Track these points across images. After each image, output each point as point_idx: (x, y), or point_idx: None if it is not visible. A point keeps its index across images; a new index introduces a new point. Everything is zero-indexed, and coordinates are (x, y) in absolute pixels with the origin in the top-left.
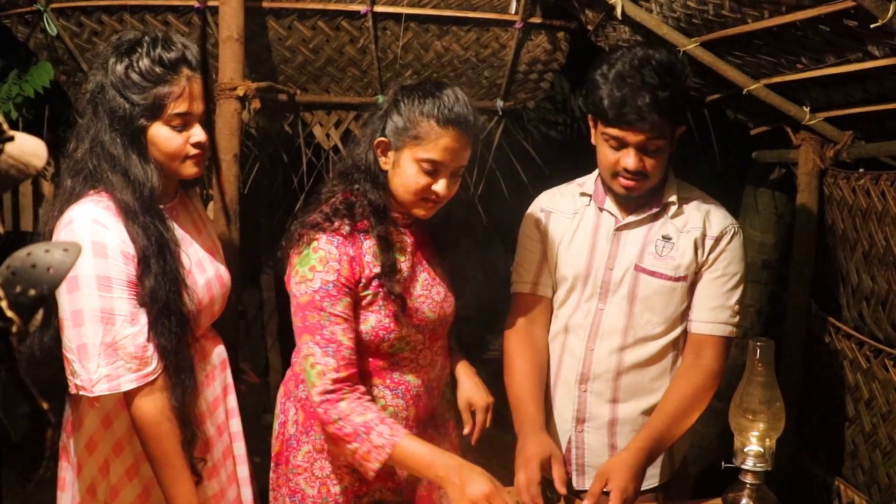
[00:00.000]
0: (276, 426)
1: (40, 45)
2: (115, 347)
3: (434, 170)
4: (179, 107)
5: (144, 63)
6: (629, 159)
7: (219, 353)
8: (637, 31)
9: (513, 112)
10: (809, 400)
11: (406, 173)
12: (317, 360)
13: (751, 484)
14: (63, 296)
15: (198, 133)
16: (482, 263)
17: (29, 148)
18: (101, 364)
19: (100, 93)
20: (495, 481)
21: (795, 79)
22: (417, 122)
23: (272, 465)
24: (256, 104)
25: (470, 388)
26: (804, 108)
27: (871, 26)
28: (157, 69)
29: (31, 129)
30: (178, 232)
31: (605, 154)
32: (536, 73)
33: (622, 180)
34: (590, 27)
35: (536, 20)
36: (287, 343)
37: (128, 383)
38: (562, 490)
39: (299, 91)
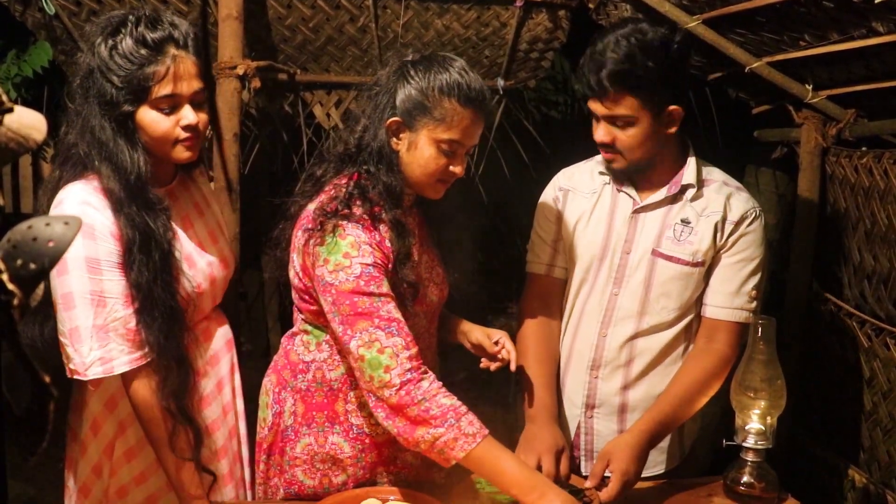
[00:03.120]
0: (268, 416)
1: (38, 25)
2: (106, 330)
3: (452, 151)
4: (164, 88)
5: (127, 44)
6: (598, 132)
7: (223, 333)
8: (639, 8)
9: (513, 91)
10: (810, 378)
11: (424, 155)
12: (384, 344)
13: (752, 461)
14: (53, 279)
15: (188, 115)
16: (482, 243)
17: (28, 121)
18: (93, 347)
19: (88, 76)
20: None
21: (798, 56)
22: (438, 102)
23: (262, 455)
24: (256, 83)
25: (479, 327)
26: (806, 86)
27: (876, 1)
28: (141, 50)
29: (29, 109)
30: (176, 217)
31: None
32: (537, 52)
33: (603, 152)
34: (591, 5)
35: None
36: (287, 325)
37: (121, 366)
38: (565, 474)
39: (299, 70)
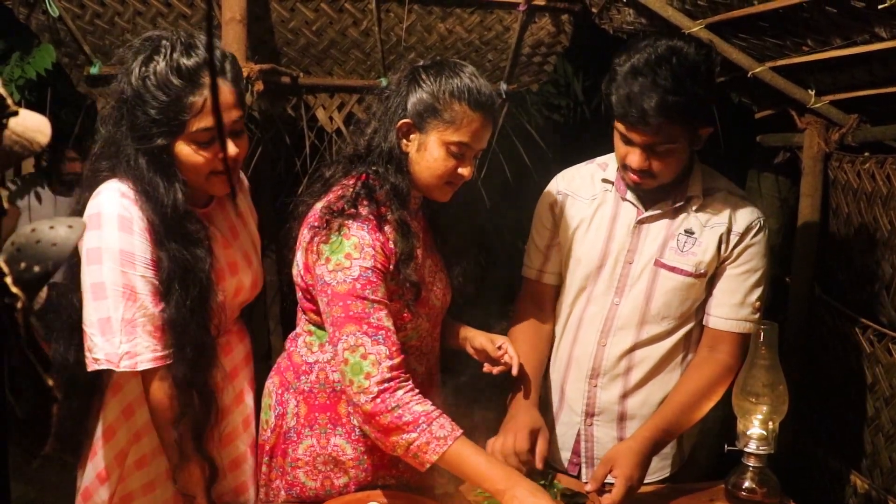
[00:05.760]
0: (270, 417)
1: (42, 27)
2: (134, 324)
3: (461, 153)
4: (202, 122)
5: (161, 72)
6: (634, 158)
7: (244, 347)
8: (641, 13)
9: (516, 95)
10: (812, 383)
11: (433, 156)
12: (368, 350)
13: (753, 467)
14: (84, 267)
15: (228, 148)
16: (484, 246)
17: (32, 124)
18: (123, 340)
19: (122, 104)
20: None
21: (801, 61)
22: (449, 105)
23: (265, 458)
24: (259, 86)
25: (482, 333)
26: (809, 91)
27: (879, 7)
28: (175, 80)
29: (33, 111)
30: (212, 238)
31: (617, 145)
32: (540, 56)
33: (630, 174)
34: (594, 9)
35: (540, 2)
36: (289, 327)
37: (145, 362)
38: (539, 465)
39: (302, 74)
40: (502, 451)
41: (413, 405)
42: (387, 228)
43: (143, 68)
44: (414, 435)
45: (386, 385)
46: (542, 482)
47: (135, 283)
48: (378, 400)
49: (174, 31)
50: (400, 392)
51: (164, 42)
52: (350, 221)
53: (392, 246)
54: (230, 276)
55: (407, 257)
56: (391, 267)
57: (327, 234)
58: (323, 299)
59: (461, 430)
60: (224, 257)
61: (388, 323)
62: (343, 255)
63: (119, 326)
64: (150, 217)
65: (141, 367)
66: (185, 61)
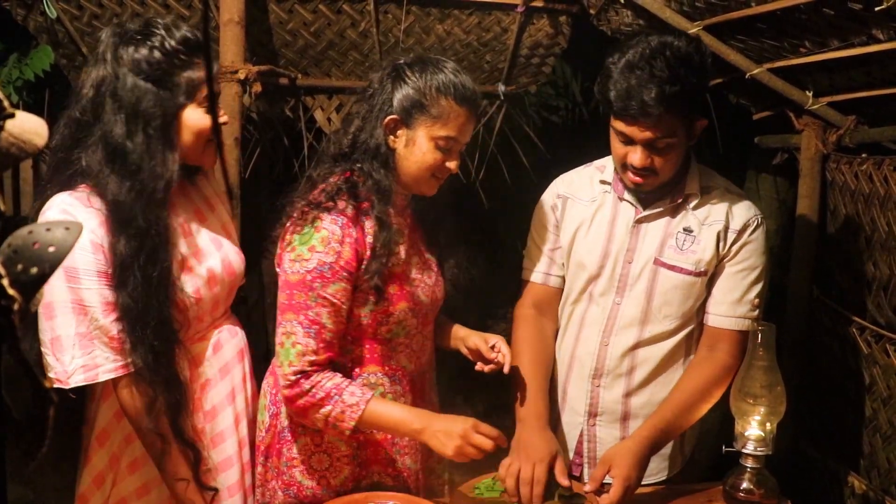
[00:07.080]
0: (265, 417)
1: (40, 29)
2: (90, 337)
3: (448, 147)
4: (204, 89)
5: (170, 44)
6: (636, 156)
7: (236, 342)
8: (640, 14)
9: (514, 96)
10: (810, 384)
11: (421, 151)
12: (298, 340)
13: (751, 468)
14: None
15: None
16: (482, 248)
17: (30, 126)
18: (76, 355)
19: (109, 85)
20: (470, 420)
21: (798, 63)
22: (436, 101)
23: (261, 458)
24: (257, 88)
25: (476, 332)
26: (807, 92)
27: (876, 9)
28: (185, 49)
29: (31, 112)
30: (176, 222)
31: (615, 146)
32: (538, 58)
33: (631, 175)
34: (592, 11)
35: (539, 4)
36: None
37: (106, 373)
38: (564, 482)
39: (300, 75)
40: (522, 480)
41: (325, 382)
42: (367, 224)
43: (146, 43)
44: (329, 408)
45: (301, 375)
46: (565, 495)
47: (82, 296)
48: (295, 386)
49: (148, 16)
50: (315, 376)
51: (156, 21)
52: (325, 214)
53: (370, 241)
54: (198, 264)
55: (381, 253)
56: (364, 261)
57: (302, 224)
58: (279, 286)
59: (371, 393)
60: (187, 245)
61: (328, 321)
62: (307, 248)
63: (71, 342)
64: (121, 205)
65: (102, 378)
66: (187, 34)
